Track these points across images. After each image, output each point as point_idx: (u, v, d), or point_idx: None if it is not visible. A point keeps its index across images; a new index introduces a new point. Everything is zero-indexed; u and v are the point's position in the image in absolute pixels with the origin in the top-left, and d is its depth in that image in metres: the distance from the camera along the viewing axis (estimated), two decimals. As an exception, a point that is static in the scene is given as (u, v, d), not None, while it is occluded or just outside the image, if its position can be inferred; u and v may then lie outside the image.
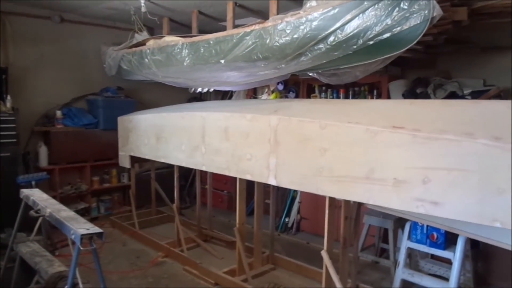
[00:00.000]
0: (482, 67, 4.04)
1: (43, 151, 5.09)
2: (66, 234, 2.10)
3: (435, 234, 3.28)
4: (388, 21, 2.33)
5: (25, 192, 2.81)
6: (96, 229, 2.01)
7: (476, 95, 3.71)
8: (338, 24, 2.49)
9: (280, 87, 5.56)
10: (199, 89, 5.45)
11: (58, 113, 5.25)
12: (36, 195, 2.69)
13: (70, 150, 5.25)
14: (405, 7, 2.27)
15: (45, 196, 2.72)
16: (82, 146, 5.36)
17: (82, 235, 1.93)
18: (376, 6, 2.35)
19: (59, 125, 5.23)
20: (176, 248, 4.29)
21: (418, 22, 2.24)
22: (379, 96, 4.57)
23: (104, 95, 5.63)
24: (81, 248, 1.92)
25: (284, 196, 5.43)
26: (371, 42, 2.44)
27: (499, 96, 3.67)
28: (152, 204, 5.50)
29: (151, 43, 4.48)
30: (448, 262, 3.43)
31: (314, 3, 2.65)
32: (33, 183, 4.34)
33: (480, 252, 3.60)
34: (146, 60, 4.39)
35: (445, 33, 3.33)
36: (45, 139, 5.21)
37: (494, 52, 3.94)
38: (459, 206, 1.97)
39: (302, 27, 2.70)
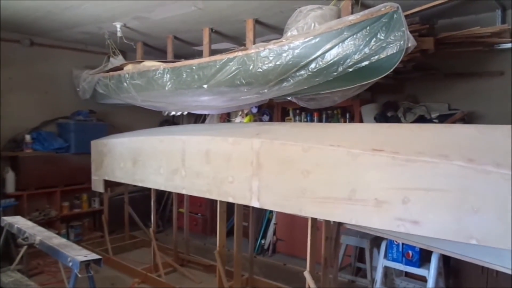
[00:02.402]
0: (446, 92, 4.31)
1: (10, 176, 4.90)
2: (61, 261, 2.05)
3: (410, 252, 3.40)
4: (366, 50, 2.48)
5: (7, 219, 2.71)
6: (93, 256, 1.98)
7: (443, 118, 3.94)
8: (319, 52, 2.63)
9: (254, 110, 5.66)
10: (173, 113, 5.46)
11: (27, 137, 5.10)
12: (20, 223, 2.60)
13: (39, 175, 5.09)
14: (382, 37, 2.43)
15: (30, 223, 2.64)
16: (52, 171, 5.21)
17: (81, 262, 1.89)
18: (355, 36, 2.50)
19: (28, 149, 5.07)
20: (153, 273, 4.21)
21: (395, 51, 2.40)
22: (351, 119, 4.75)
23: (75, 118, 5.53)
24: (79, 275, 1.88)
25: (260, 218, 5.45)
26: (350, 69, 2.58)
27: (463, 119, 3.91)
28: (125, 229, 5.38)
29: (129, 67, 4.48)
30: (422, 279, 3.55)
31: (295, 32, 2.78)
32: (0, 210, 4.17)
33: (451, 269, 3.75)
34: (125, 84, 4.38)
35: (413, 61, 3.56)
36: (13, 164, 5.02)
37: (457, 78, 4.22)
38: (437, 225, 2.06)
39: (284, 54, 2.81)
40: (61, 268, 2.10)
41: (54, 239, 2.32)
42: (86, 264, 1.93)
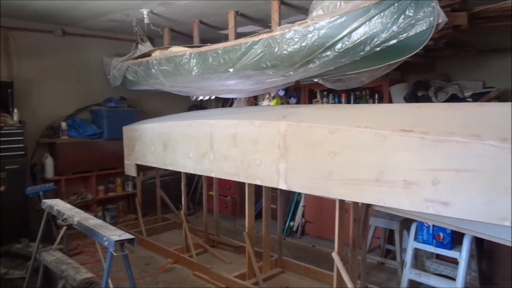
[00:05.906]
0: (481, 70, 4.14)
1: (49, 162, 5.13)
2: (98, 241, 2.16)
3: (441, 234, 3.35)
4: (394, 28, 2.41)
5: (47, 202, 2.87)
6: (127, 236, 2.08)
7: (477, 97, 3.81)
8: (345, 32, 2.58)
9: (281, 93, 5.64)
10: (201, 97, 5.52)
11: (63, 125, 5.30)
12: (59, 205, 2.75)
13: (75, 161, 5.30)
14: (411, 14, 2.36)
15: (68, 205, 2.78)
16: (87, 156, 5.41)
17: (116, 241, 1.99)
18: (382, 14, 2.44)
19: (64, 136, 5.28)
20: (185, 254, 4.34)
21: (424, 28, 2.33)
22: (380, 100, 4.66)
23: (107, 105, 5.69)
24: (114, 254, 1.98)
25: (288, 200, 5.48)
26: (377, 49, 2.52)
27: (499, 98, 3.76)
28: (157, 211, 5.54)
29: (157, 53, 4.55)
30: (453, 261, 3.49)
31: (320, 12, 2.74)
32: (41, 194, 4.37)
33: (484, 252, 3.67)
34: (153, 70, 4.46)
35: (444, 37, 3.42)
36: (51, 151, 5.25)
37: (492, 54, 4.04)
38: (468, 206, 2.02)
39: (310, 35, 2.78)
40: (98, 248, 2.22)
41: (90, 220, 2.44)
42: (121, 243, 2.03)
